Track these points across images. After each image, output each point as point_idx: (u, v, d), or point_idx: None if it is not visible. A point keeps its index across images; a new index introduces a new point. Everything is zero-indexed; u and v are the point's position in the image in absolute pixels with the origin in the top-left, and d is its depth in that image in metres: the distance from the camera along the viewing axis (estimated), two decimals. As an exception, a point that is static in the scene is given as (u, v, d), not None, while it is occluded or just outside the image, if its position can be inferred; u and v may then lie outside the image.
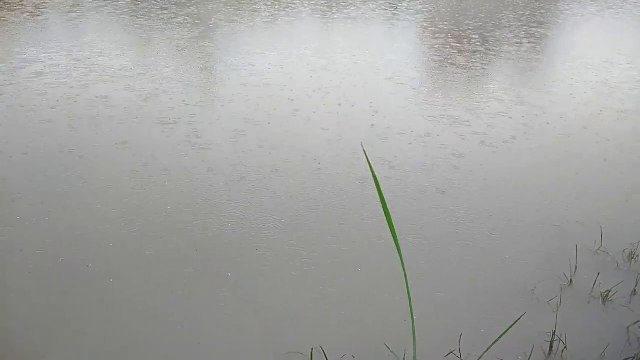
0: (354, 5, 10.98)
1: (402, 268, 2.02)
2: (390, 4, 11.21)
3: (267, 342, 2.80)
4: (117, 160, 4.45)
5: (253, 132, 5.05)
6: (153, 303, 3.01)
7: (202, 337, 2.81)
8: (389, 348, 2.77)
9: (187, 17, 9.32)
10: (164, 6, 10.04)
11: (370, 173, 1.92)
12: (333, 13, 10.25)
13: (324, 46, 8.08)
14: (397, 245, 2.02)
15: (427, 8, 11.01)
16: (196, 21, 9.11)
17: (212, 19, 9.26)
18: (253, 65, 6.95)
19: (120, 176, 4.22)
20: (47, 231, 3.55)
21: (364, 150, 1.80)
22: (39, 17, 8.96)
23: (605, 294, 3.16)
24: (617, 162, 4.79)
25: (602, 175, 4.55)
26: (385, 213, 1.92)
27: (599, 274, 3.31)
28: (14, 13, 9.12)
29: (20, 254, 3.34)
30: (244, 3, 10.72)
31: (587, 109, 5.93)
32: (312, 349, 2.74)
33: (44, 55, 6.98)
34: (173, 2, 10.36)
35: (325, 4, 10.73)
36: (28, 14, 9.18)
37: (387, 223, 1.96)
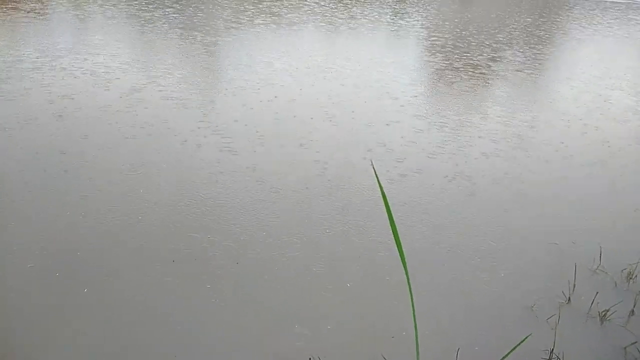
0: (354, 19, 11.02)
1: (407, 283, 2.02)
2: (392, 12, 11.25)
3: (265, 352, 2.80)
4: (114, 159, 4.45)
5: (250, 135, 5.06)
6: (152, 303, 3.01)
7: (198, 349, 2.81)
8: (387, 360, 2.78)
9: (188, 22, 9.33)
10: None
11: (379, 187, 1.92)
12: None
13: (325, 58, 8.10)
14: (402, 260, 2.02)
15: (428, 24, 11.06)
16: (203, 28, 9.13)
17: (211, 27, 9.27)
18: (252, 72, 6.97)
19: (118, 175, 4.23)
20: (43, 229, 3.55)
21: (373, 167, 1.79)
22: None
23: (603, 313, 3.18)
24: (618, 181, 4.82)
25: (602, 194, 4.57)
26: (392, 229, 1.92)
27: (597, 293, 3.33)
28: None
29: (19, 253, 3.34)
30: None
31: (587, 129, 5.96)
32: (309, 358, 2.75)
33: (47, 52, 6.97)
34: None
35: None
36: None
37: (393, 237, 1.97)
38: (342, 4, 11.27)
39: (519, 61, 8.27)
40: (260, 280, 3.25)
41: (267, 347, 2.80)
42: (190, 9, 9.87)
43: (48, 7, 9.38)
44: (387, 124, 5.55)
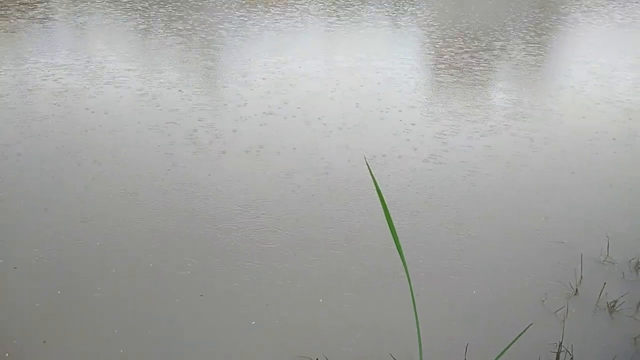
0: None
1: (407, 277, 2.00)
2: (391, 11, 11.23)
3: (274, 351, 2.79)
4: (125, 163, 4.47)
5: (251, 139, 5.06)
6: (161, 312, 3.01)
7: (211, 346, 2.81)
8: (393, 358, 2.76)
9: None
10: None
11: (375, 187, 1.91)
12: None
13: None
14: (400, 254, 2.01)
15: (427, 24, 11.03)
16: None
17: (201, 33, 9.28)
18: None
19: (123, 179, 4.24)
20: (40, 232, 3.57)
21: (369, 168, 1.78)
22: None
23: (612, 304, 3.14)
24: (625, 172, 4.76)
25: (609, 184, 4.52)
26: (388, 223, 1.91)
27: (605, 284, 3.29)
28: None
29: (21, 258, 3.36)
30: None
31: (595, 120, 5.89)
32: (317, 359, 2.73)
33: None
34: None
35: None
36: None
37: (391, 234, 1.96)
38: None
39: (524, 54, 8.23)
40: (267, 291, 3.24)
41: (275, 356, 2.79)
42: None
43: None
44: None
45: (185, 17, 9.61)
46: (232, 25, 9.17)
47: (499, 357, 2.36)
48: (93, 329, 2.87)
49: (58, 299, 3.05)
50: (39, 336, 2.80)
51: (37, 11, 9.50)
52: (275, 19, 9.71)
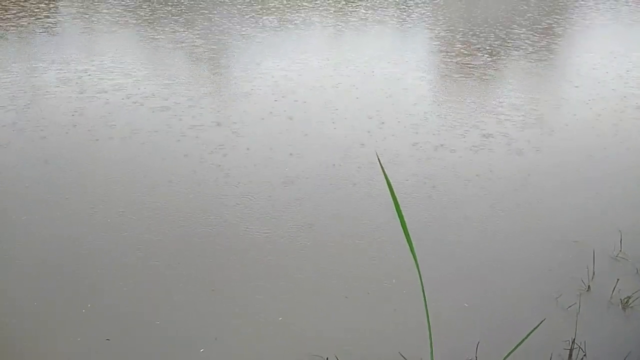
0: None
1: (418, 274, 1.99)
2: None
3: (284, 350, 2.79)
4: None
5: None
6: (164, 314, 3.01)
7: (220, 345, 2.81)
8: (403, 357, 2.74)
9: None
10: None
11: (386, 179, 1.90)
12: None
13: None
14: (412, 251, 2.00)
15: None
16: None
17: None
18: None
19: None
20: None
21: (381, 164, 1.77)
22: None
23: (625, 300, 3.10)
24: (637, 165, 4.71)
25: (622, 179, 4.47)
26: (399, 217, 1.90)
27: (618, 280, 3.25)
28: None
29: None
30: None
31: (607, 117, 5.81)
32: (326, 358, 2.72)
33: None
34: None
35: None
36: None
37: (402, 228, 1.95)
38: None
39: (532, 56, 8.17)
40: (275, 290, 3.23)
41: (285, 355, 2.78)
42: None
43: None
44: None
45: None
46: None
47: (510, 353, 2.34)
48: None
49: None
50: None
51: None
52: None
